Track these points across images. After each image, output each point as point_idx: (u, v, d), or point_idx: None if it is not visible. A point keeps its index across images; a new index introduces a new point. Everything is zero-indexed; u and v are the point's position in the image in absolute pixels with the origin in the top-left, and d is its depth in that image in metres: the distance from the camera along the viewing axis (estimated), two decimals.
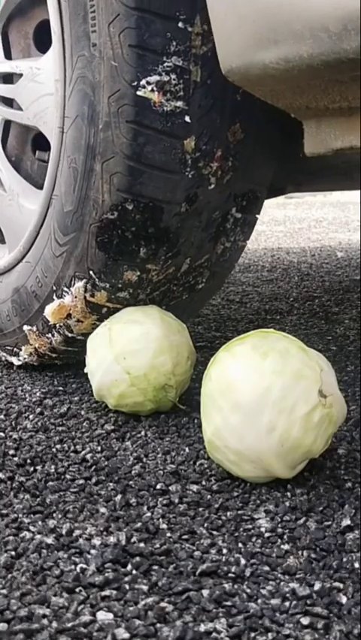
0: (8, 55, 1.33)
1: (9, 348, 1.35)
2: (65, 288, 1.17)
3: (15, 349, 1.33)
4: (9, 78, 1.30)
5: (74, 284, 1.15)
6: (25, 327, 1.27)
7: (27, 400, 1.20)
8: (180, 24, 0.99)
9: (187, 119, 1.04)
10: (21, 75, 1.24)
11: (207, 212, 1.15)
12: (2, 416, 1.12)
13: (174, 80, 1.01)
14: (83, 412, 1.13)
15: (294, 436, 0.81)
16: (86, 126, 1.06)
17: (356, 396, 1.18)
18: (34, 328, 1.25)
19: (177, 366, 1.07)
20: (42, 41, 1.26)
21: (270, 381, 0.82)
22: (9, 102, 1.31)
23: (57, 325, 1.20)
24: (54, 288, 1.18)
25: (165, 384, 1.06)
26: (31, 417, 1.11)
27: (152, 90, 1.00)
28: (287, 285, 2.32)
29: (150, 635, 0.61)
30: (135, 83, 1.00)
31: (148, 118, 1.02)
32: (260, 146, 1.17)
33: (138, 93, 1.00)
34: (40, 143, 1.27)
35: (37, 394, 1.22)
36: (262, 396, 0.81)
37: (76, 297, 1.15)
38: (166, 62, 1.00)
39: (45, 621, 0.62)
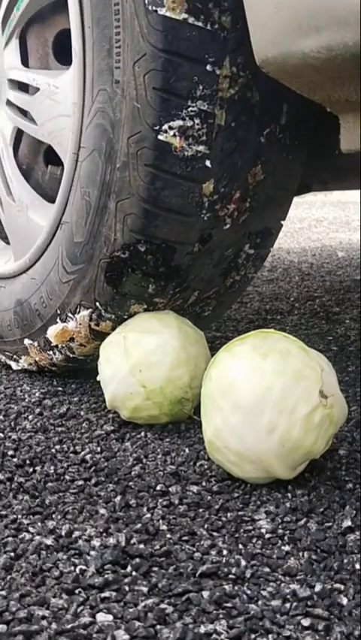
0: (25, 62, 1.26)
1: (8, 354, 1.34)
2: (70, 314, 1.15)
3: (15, 357, 1.32)
4: (25, 86, 1.26)
5: (80, 312, 1.13)
6: (27, 341, 1.26)
7: (26, 400, 1.19)
8: (208, 67, 0.96)
9: (208, 163, 1.01)
10: (38, 89, 1.19)
11: (219, 251, 1.13)
12: (1, 417, 1.12)
13: (197, 124, 0.98)
14: (82, 413, 1.13)
15: (295, 436, 0.80)
16: (102, 163, 1.04)
17: (357, 397, 1.18)
18: (36, 344, 1.24)
19: (193, 379, 1.04)
20: (61, 51, 1.20)
21: (270, 381, 0.81)
22: (24, 110, 1.26)
23: (59, 345, 1.20)
24: (58, 311, 1.17)
25: (181, 398, 1.03)
26: (30, 417, 1.11)
27: (174, 135, 0.97)
28: (288, 285, 2.32)
29: (149, 636, 0.61)
30: (157, 127, 0.97)
31: (168, 162, 0.99)
32: (280, 185, 1.14)
33: (159, 137, 0.97)
34: (52, 156, 1.23)
35: (37, 395, 1.22)
36: (262, 397, 0.81)
37: (80, 324, 1.14)
38: (191, 107, 0.97)
39: (44, 622, 0.62)
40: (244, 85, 1.00)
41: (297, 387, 0.81)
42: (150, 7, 0.93)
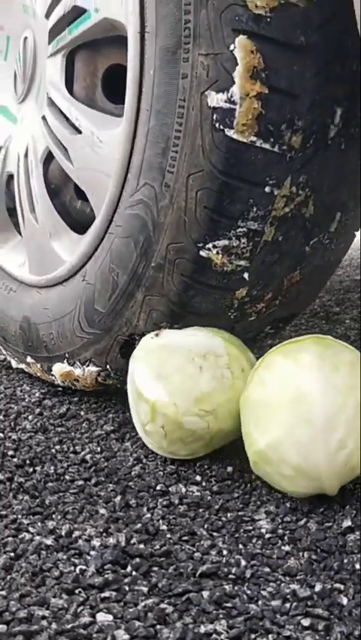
0: (70, 87, 1.14)
1: (10, 354, 1.33)
2: (78, 363, 1.13)
3: (16, 359, 1.32)
4: (65, 114, 1.15)
5: (89, 366, 1.11)
6: (29, 359, 1.24)
7: (26, 400, 1.19)
8: (267, 188, 0.89)
9: (246, 275, 0.97)
10: (79, 131, 1.10)
11: (240, 335, 1.09)
12: (1, 417, 1.12)
13: (243, 243, 0.93)
14: (82, 413, 1.13)
15: (358, 456, 0.78)
16: (137, 255, 0.99)
17: None
18: (39, 365, 1.23)
19: None
20: (111, 86, 1.12)
21: (345, 397, 0.78)
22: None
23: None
24: (67, 355, 1.14)
25: None
26: (30, 417, 1.11)
27: (217, 253, 0.92)
28: None
29: (149, 636, 0.61)
30: (201, 244, 0.92)
31: (205, 276, 0.95)
32: (315, 282, 1.10)
33: (201, 253, 0.92)
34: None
35: (37, 395, 1.22)
36: (336, 414, 0.78)
37: (87, 375, 1.12)
38: (240, 228, 0.91)
39: (44, 622, 0.62)
40: (300, 202, 0.94)
41: None
42: (216, 125, 0.86)
